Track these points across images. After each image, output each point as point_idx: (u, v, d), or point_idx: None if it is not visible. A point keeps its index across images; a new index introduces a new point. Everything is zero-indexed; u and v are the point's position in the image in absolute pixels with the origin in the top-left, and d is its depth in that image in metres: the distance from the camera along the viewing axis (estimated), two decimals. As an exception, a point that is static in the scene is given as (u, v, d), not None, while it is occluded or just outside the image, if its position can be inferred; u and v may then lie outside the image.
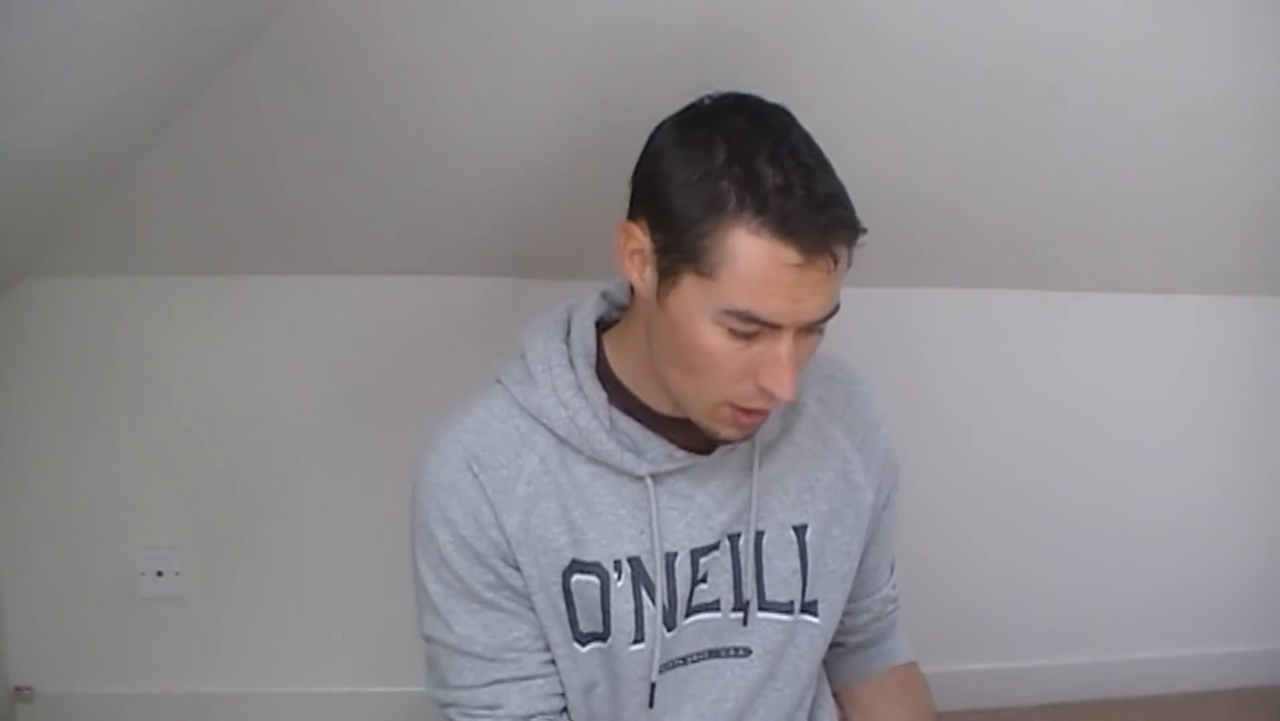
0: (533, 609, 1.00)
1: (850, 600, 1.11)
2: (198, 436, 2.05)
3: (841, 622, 1.12)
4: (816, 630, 1.06)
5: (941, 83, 1.70)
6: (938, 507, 2.12)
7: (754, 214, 0.83)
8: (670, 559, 1.00)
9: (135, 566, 2.07)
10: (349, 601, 2.12)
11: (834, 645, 1.14)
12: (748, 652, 1.04)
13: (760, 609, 1.03)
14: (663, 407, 0.98)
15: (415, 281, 2.03)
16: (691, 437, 0.98)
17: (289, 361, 2.05)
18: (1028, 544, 2.29)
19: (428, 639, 1.03)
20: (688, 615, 1.02)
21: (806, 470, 1.05)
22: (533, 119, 1.70)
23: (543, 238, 1.93)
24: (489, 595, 0.99)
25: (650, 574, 0.99)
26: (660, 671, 1.02)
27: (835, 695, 1.19)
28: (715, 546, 1.01)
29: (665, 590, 1.00)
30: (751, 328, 0.86)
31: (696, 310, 0.87)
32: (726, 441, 0.98)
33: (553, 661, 1.02)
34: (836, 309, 0.89)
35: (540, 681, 1.01)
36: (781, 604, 1.04)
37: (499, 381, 1.02)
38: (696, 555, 1.00)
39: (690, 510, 1.00)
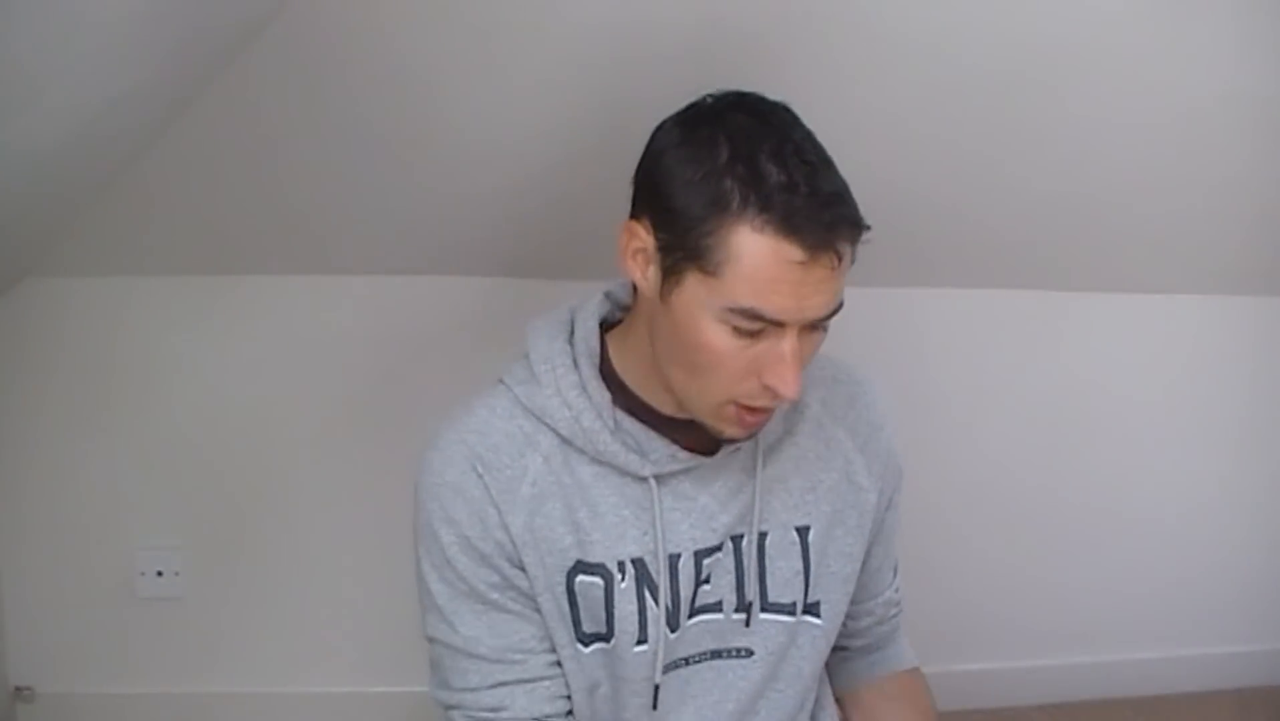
0: (538, 610, 0.99)
1: (853, 603, 1.11)
2: (198, 436, 2.05)
3: (844, 626, 1.12)
4: (819, 631, 1.06)
5: (941, 83, 1.70)
6: (937, 507, 2.11)
7: (758, 211, 0.83)
8: (674, 560, 0.99)
9: (135, 566, 2.07)
10: (349, 601, 2.12)
11: (837, 649, 1.14)
12: (750, 653, 1.04)
13: (762, 610, 1.03)
14: (666, 408, 0.98)
15: (415, 281, 2.03)
16: (695, 438, 0.98)
17: (289, 361, 2.05)
18: (1028, 544, 2.29)
19: (431, 640, 1.03)
20: (690, 616, 1.02)
21: (809, 471, 1.05)
22: (533, 119, 1.70)
23: (543, 238, 1.93)
24: (494, 596, 0.98)
25: (654, 575, 0.99)
26: (663, 672, 1.02)
27: (838, 700, 1.19)
28: (718, 547, 1.01)
29: (669, 591, 0.99)
30: (756, 325, 0.86)
31: (700, 308, 0.87)
32: (731, 441, 0.98)
33: (558, 663, 1.01)
34: (840, 306, 0.89)
35: (546, 683, 1.01)
36: (784, 605, 1.04)
37: (501, 381, 1.02)
38: (700, 556, 1.00)
39: (694, 511, 1.00)
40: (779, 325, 0.86)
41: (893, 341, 2.09)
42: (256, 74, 1.58)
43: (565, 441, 0.98)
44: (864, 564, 1.10)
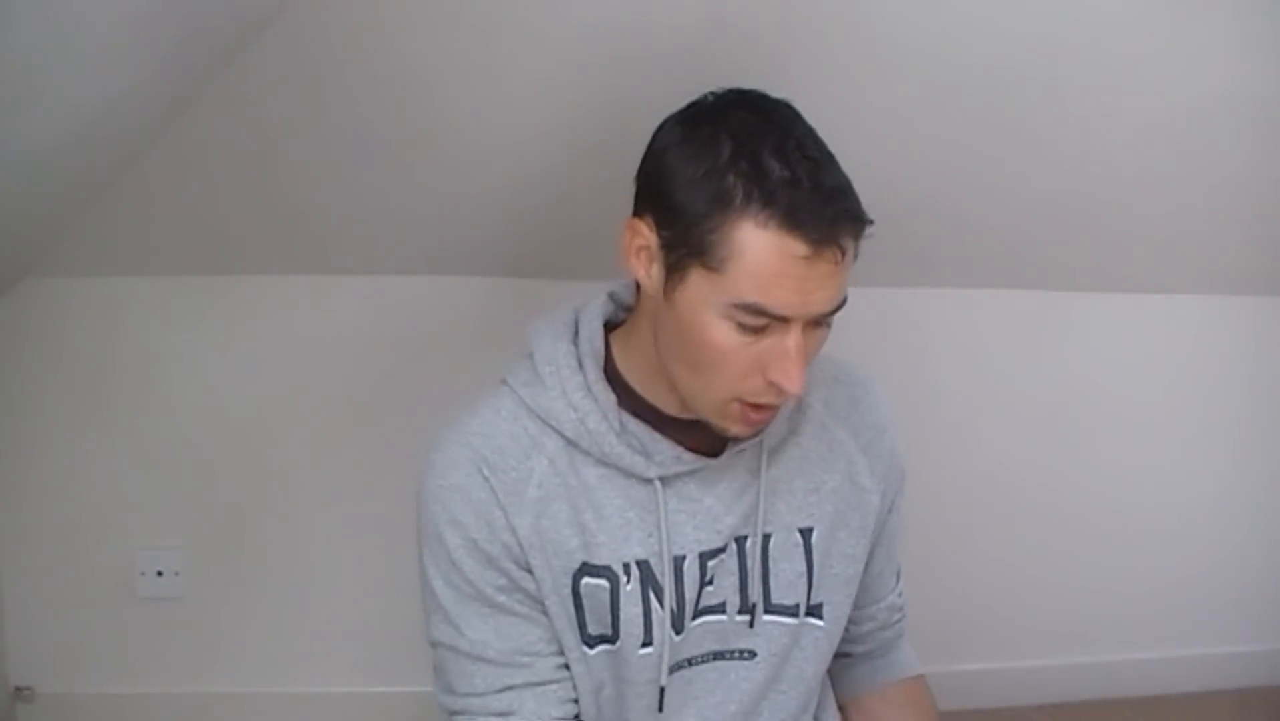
0: (545, 612, 0.99)
1: (855, 607, 1.10)
2: (198, 436, 2.05)
3: (847, 630, 1.11)
4: (821, 633, 1.06)
5: (941, 83, 1.70)
6: (937, 507, 2.11)
7: (761, 207, 0.84)
8: (679, 562, 0.99)
9: (135, 566, 2.07)
10: (349, 601, 2.12)
11: (840, 655, 1.14)
12: (753, 655, 1.04)
13: (765, 611, 1.03)
14: (670, 408, 0.98)
15: (415, 281, 2.03)
16: (699, 439, 0.98)
17: (289, 361, 2.05)
18: (1028, 543, 2.29)
19: (435, 644, 1.01)
20: (694, 617, 1.01)
21: (812, 473, 1.04)
22: (533, 119, 1.70)
23: (543, 238, 1.93)
24: (501, 599, 0.98)
25: (659, 577, 0.99)
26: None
27: (841, 708, 1.19)
28: (722, 549, 1.01)
29: (674, 593, 0.99)
30: (760, 321, 0.86)
31: (704, 305, 0.87)
32: (735, 439, 0.97)
33: (566, 666, 1.00)
34: (844, 301, 0.89)
35: (554, 686, 1.00)
36: (787, 607, 1.03)
37: (505, 383, 1.01)
38: (705, 558, 1.00)
39: (699, 513, 1.00)
40: (783, 321, 0.86)
41: (892, 341, 2.09)
42: (256, 74, 1.58)
43: (570, 443, 0.98)
44: (866, 567, 1.09)
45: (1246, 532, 2.36)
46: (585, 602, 0.98)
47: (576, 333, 1.00)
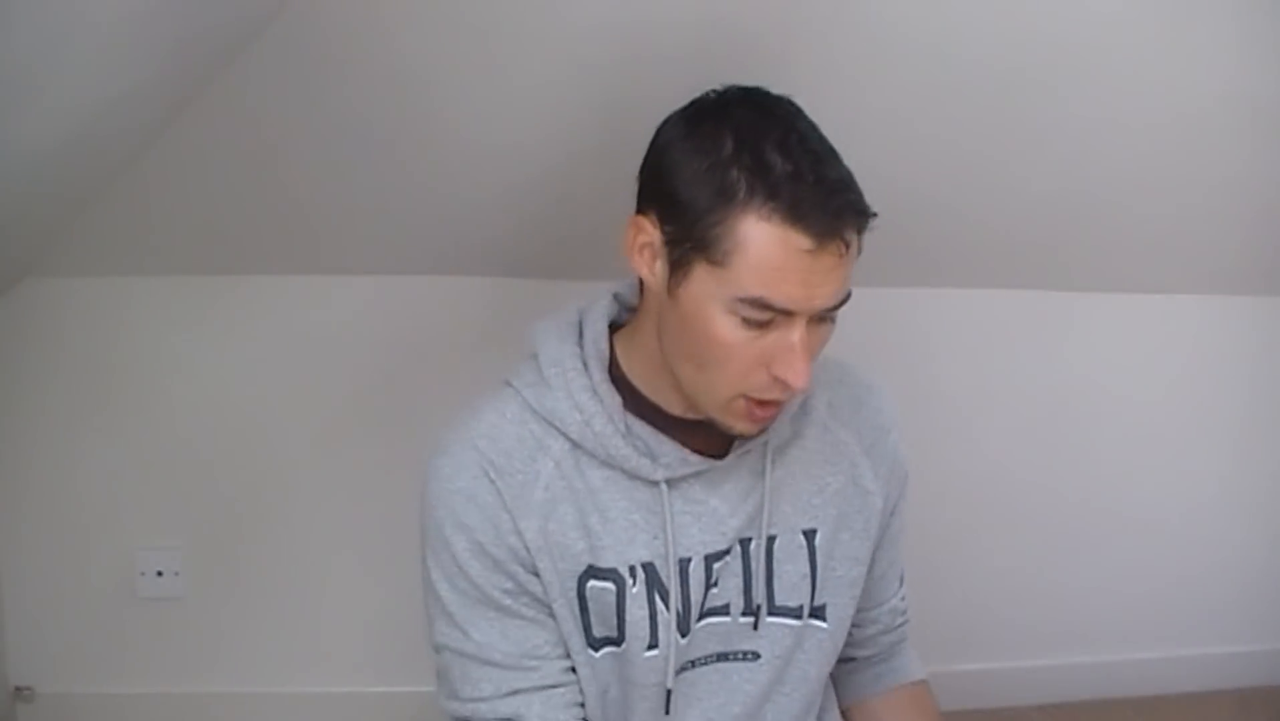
0: (551, 615, 0.98)
1: (858, 610, 1.10)
2: (198, 436, 2.05)
3: (850, 634, 1.11)
4: (825, 635, 1.06)
5: (941, 83, 1.70)
6: (937, 506, 2.11)
7: (764, 200, 0.84)
8: (684, 564, 0.99)
9: (135, 566, 2.07)
10: (349, 601, 2.12)
11: (844, 660, 1.14)
12: (756, 657, 1.04)
13: (769, 613, 1.03)
14: (675, 409, 0.98)
15: (415, 281, 2.03)
16: (704, 440, 0.98)
17: (289, 361, 2.05)
18: (1028, 544, 2.29)
19: (440, 648, 1.01)
20: (699, 619, 1.01)
21: (816, 474, 1.04)
22: (533, 119, 1.70)
23: (543, 238, 1.93)
24: (507, 602, 0.97)
25: (664, 580, 0.98)
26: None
27: (844, 712, 1.18)
28: (727, 551, 1.00)
29: (679, 596, 0.99)
30: (765, 315, 0.86)
31: (709, 300, 0.87)
32: (741, 436, 0.97)
33: (573, 669, 1.00)
34: (848, 296, 0.89)
35: (561, 690, 0.99)
36: (790, 608, 1.03)
37: (509, 384, 1.00)
38: (710, 560, 1.00)
39: (704, 515, 0.99)
40: (788, 315, 0.86)
41: (892, 341, 2.09)
42: (256, 74, 1.58)
43: (575, 445, 0.97)
44: (869, 570, 1.09)
45: (1246, 532, 2.36)
46: (591, 605, 0.98)
47: (581, 334, 1.00)
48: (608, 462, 0.97)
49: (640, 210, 0.92)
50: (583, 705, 1.01)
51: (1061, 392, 2.25)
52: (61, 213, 1.79)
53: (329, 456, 2.08)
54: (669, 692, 1.01)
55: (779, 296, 0.85)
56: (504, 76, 1.62)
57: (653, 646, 0.99)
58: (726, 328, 0.87)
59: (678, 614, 0.99)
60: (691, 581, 0.99)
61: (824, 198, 0.84)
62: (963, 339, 2.21)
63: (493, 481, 0.96)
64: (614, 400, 0.97)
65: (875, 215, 0.88)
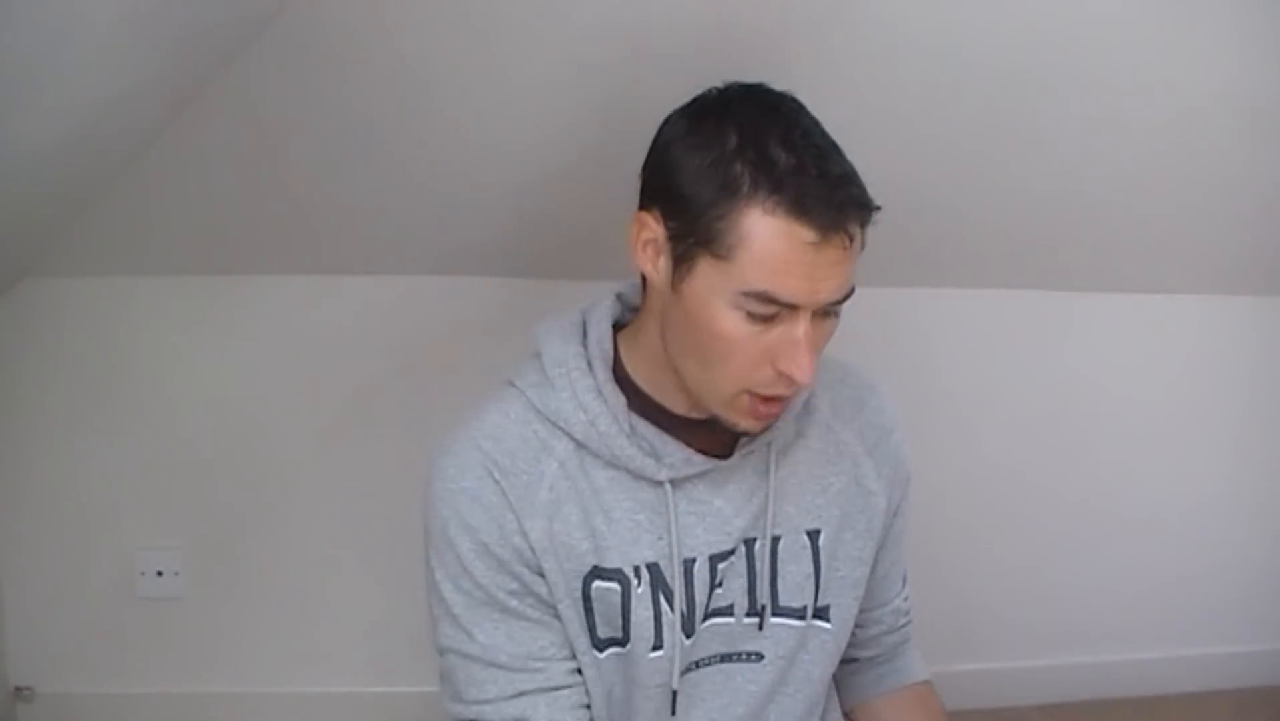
0: (556, 616, 0.98)
1: (861, 610, 1.10)
2: (198, 436, 2.05)
3: (853, 635, 1.11)
4: (829, 636, 1.06)
5: (942, 83, 1.70)
6: (937, 506, 2.11)
7: (768, 193, 0.84)
8: (689, 564, 0.99)
9: (135, 566, 2.07)
10: (349, 601, 2.12)
11: (847, 661, 1.14)
12: (760, 657, 1.03)
13: (773, 614, 1.03)
14: (679, 408, 0.98)
15: (415, 281, 2.03)
16: (708, 440, 0.98)
17: (289, 361, 2.05)
18: (1028, 543, 2.29)
19: (444, 650, 1.00)
20: (703, 620, 1.01)
21: (819, 474, 1.04)
22: (533, 119, 1.70)
23: (543, 238, 1.93)
24: (513, 603, 0.97)
25: (669, 580, 0.98)
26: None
27: (848, 714, 1.18)
28: (731, 551, 1.00)
29: (684, 597, 0.99)
30: (770, 310, 0.86)
31: (713, 295, 0.87)
32: (745, 434, 0.97)
33: (578, 670, 1.00)
34: (852, 290, 0.89)
35: (567, 692, 0.99)
36: (794, 609, 1.03)
37: (512, 385, 1.00)
38: (715, 561, 1.00)
39: (709, 515, 0.99)
40: (792, 309, 0.86)
41: (892, 341, 2.09)
42: (256, 74, 1.58)
43: (580, 445, 0.97)
44: (872, 570, 1.09)
45: (1246, 532, 2.36)
46: (596, 606, 0.98)
47: (585, 334, 1.00)
48: (612, 463, 0.97)
49: (643, 207, 0.92)
50: (588, 706, 1.01)
51: (1061, 392, 2.25)
52: (61, 213, 1.79)
53: (329, 456, 2.08)
54: (674, 693, 1.00)
55: (783, 290, 0.85)
56: (504, 76, 1.62)
57: (657, 647, 0.99)
58: (731, 322, 0.87)
59: (682, 614, 0.99)
60: (696, 582, 0.99)
61: (828, 191, 0.84)
62: (963, 339, 2.21)
63: (497, 482, 0.96)
64: (618, 400, 0.97)
65: (879, 208, 0.88)
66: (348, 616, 2.13)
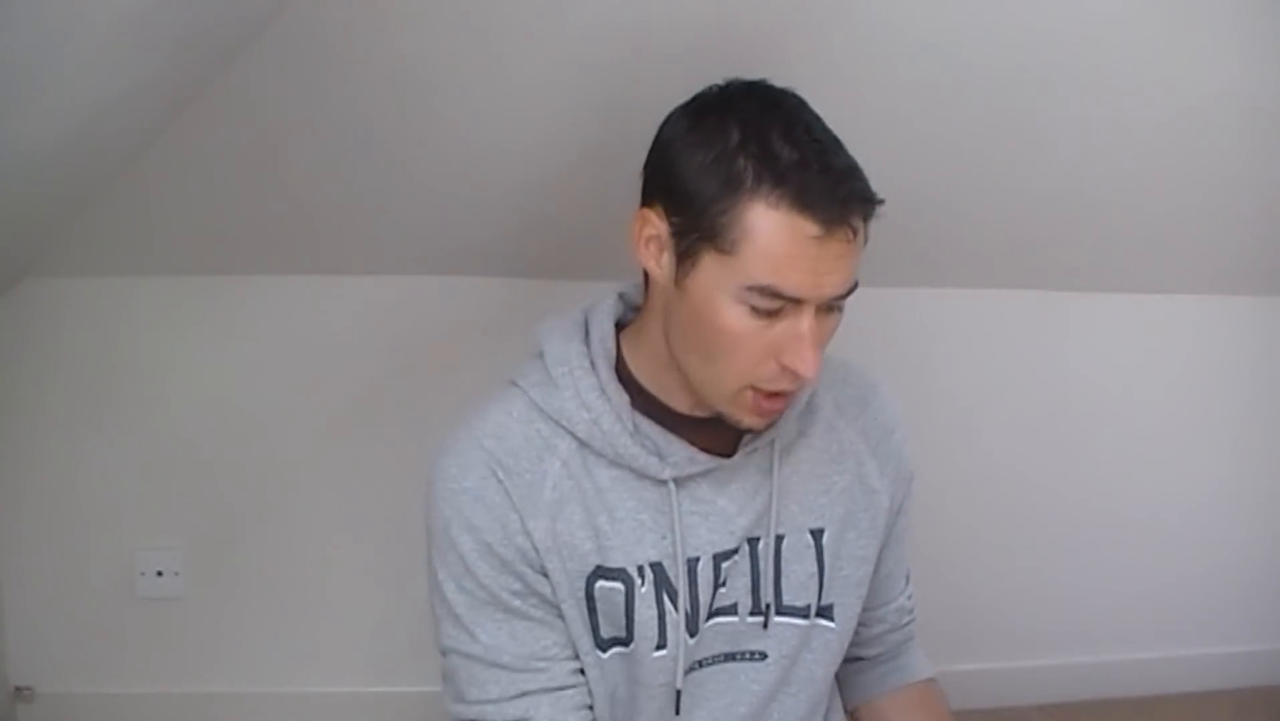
0: (561, 616, 0.98)
1: (865, 609, 1.10)
2: (198, 436, 2.05)
3: (857, 633, 1.11)
4: (832, 635, 1.05)
5: (942, 83, 1.70)
6: (937, 506, 2.10)
7: (772, 188, 0.84)
8: (692, 564, 0.98)
9: (135, 566, 2.07)
10: (349, 601, 2.12)
11: (851, 659, 1.13)
12: (763, 656, 1.03)
13: (777, 613, 1.02)
14: (681, 407, 0.98)
15: (415, 281, 2.03)
16: (711, 439, 0.98)
17: (289, 362, 2.05)
18: (1028, 544, 2.29)
19: (447, 651, 1.00)
20: (707, 619, 1.01)
21: (823, 473, 1.04)
22: (533, 119, 1.70)
23: (543, 238, 1.93)
24: (516, 603, 0.97)
25: (673, 579, 0.98)
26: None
27: (852, 712, 1.18)
28: (735, 551, 1.00)
29: (688, 596, 0.98)
30: (774, 304, 0.86)
31: (717, 290, 0.87)
32: (749, 431, 0.97)
33: (581, 670, 0.99)
34: (855, 285, 0.89)
35: (570, 692, 0.98)
36: (798, 608, 1.03)
37: (515, 384, 1.00)
38: (718, 560, 0.99)
39: (712, 514, 0.99)
40: (796, 303, 0.86)
41: (892, 341, 2.09)
42: (256, 74, 1.58)
43: (583, 444, 0.97)
44: (875, 569, 1.09)
45: (1246, 532, 2.36)
46: (599, 606, 0.98)
47: (587, 333, 1.00)
48: (616, 462, 0.97)
49: (645, 204, 0.92)
50: (591, 706, 1.00)
51: (1061, 392, 2.25)
52: (61, 213, 1.79)
53: (329, 456, 2.08)
54: (678, 693, 1.00)
55: (788, 284, 0.85)
56: (504, 76, 1.62)
57: (661, 646, 0.99)
58: (735, 317, 0.87)
59: (686, 614, 0.98)
60: (700, 581, 0.99)
61: (831, 185, 0.84)
62: (963, 339, 2.21)
63: (500, 481, 0.95)
64: (621, 399, 0.96)
65: (882, 202, 0.88)
66: (348, 616, 2.13)
